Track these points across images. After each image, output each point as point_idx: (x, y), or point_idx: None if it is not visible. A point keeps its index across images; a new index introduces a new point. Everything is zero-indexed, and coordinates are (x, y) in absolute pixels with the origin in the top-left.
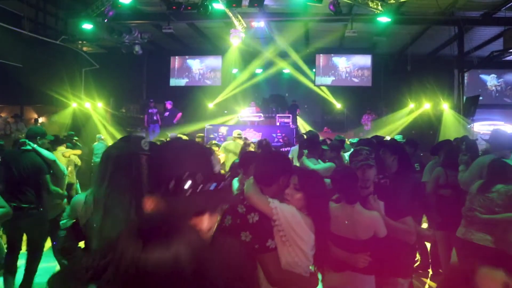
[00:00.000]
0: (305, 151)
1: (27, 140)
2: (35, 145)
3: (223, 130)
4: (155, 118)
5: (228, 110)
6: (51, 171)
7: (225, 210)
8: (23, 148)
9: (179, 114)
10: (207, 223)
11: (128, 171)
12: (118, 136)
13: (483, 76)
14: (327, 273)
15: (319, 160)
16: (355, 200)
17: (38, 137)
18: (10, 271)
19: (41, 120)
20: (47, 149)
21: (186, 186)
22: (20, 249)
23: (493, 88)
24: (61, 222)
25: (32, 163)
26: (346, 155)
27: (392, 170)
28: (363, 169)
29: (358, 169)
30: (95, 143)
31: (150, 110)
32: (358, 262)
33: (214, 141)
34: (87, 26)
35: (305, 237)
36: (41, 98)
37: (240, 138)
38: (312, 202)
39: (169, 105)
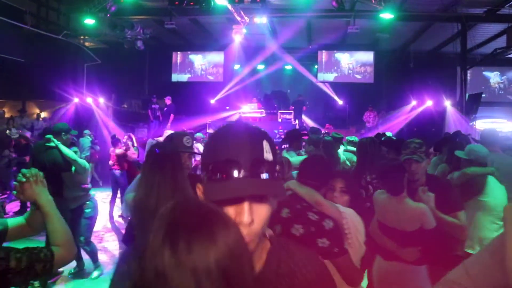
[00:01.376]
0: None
1: (52, 137)
2: (58, 143)
3: None
4: (157, 114)
5: (230, 106)
6: (73, 168)
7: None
8: (47, 144)
9: (172, 116)
10: (247, 214)
11: (166, 168)
12: (119, 131)
13: (486, 73)
14: (377, 261)
15: (302, 152)
16: (399, 192)
17: (63, 133)
18: None
19: (43, 115)
20: (72, 143)
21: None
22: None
23: (496, 85)
24: (86, 210)
25: (53, 160)
26: (341, 153)
27: None
28: (409, 162)
29: (405, 162)
30: (81, 138)
31: (153, 106)
32: (408, 256)
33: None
34: (89, 21)
35: (363, 237)
36: (43, 93)
37: None
38: (354, 203)
39: (168, 100)
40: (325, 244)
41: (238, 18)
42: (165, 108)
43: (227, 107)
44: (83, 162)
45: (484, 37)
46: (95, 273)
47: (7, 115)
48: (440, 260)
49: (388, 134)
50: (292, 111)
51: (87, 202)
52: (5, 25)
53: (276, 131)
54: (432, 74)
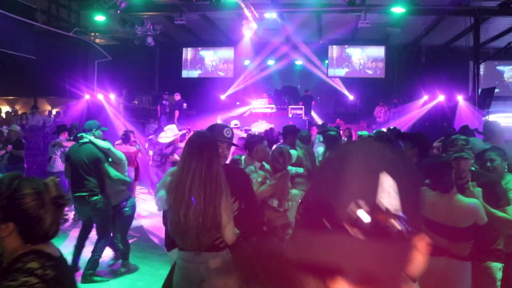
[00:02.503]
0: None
1: (84, 134)
2: (91, 137)
3: (235, 122)
4: (167, 110)
5: (241, 101)
6: (110, 159)
7: None
8: (81, 141)
9: (177, 113)
10: None
11: (204, 156)
12: (130, 128)
13: (500, 68)
14: None
15: (298, 148)
16: (449, 188)
17: (94, 129)
18: (78, 246)
19: (54, 111)
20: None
21: None
22: (91, 231)
23: (510, 80)
24: (125, 209)
25: (89, 154)
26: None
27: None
28: (458, 160)
29: (454, 160)
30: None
31: (163, 102)
32: (460, 251)
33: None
34: (100, 18)
35: None
36: (55, 90)
37: (238, 128)
38: None
39: (177, 96)
40: None
41: (248, 14)
42: (174, 104)
43: (238, 103)
44: (118, 152)
45: (497, 31)
46: (122, 270)
47: (19, 112)
48: (486, 254)
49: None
50: (303, 107)
51: (127, 201)
52: (17, 22)
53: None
54: (444, 69)
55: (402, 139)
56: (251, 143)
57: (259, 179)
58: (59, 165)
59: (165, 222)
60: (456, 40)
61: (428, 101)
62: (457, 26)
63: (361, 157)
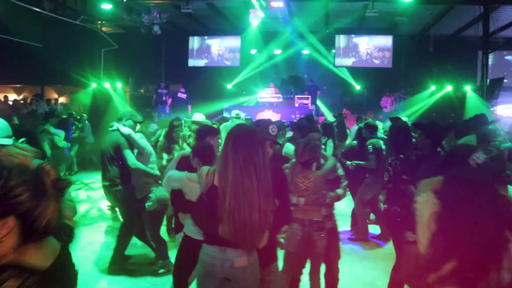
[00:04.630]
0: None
1: (114, 123)
2: (118, 125)
3: (236, 111)
4: (164, 98)
5: (247, 91)
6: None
7: None
8: (109, 129)
9: (169, 100)
10: None
11: (257, 155)
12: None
13: (509, 58)
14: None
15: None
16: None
17: (125, 118)
18: (141, 238)
19: (61, 100)
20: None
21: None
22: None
23: None
24: (147, 204)
25: (112, 140)
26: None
27: (424, 152)
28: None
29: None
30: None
31: (159, 90)
32: None
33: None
34: (106, 6)
35: None
36: (61, 78)
37: (238, 118)
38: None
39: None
40: None
41: (255, 2)
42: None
43: (244, 92)
44: (141, 140)
45: (507, 20)
46: (161, 270)
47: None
48: None
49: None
50: (309, 96)
51: (150, 195)
52: (24, 10)
53: (293, 116)
54: (452, 59)
55: (415, 128)
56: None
57: None
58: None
59: (176, 204)
60: (465, 29)
61: (435, 92)
62: (466, 15)
63: None
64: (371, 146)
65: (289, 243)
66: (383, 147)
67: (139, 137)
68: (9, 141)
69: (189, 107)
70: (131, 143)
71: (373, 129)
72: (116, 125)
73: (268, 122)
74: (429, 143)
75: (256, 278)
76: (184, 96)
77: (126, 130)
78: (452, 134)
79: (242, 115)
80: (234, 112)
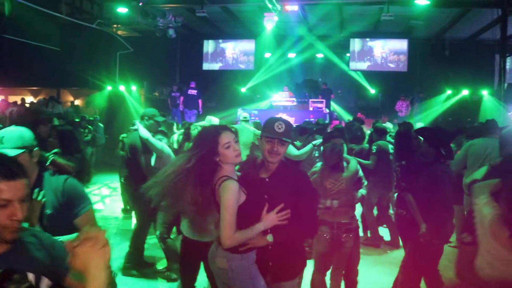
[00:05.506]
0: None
1: (136, 121)
2: (139, 125)
3: (244, 114)
4: (177, 102)
5: (261, 94)
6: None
7: None
8: (131, 128)
9: (181, 98)
10: None
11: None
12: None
13: None
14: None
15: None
16: None
17: (146, 118)
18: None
19: (77, 102)
20: (163, 132)
21: None
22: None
23: None
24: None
25: (131, 141)
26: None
27: (427, 159)
28: None
29: None
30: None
31: (173, 94)
32: None
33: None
34: (122, 9)
35: None
36: (77, 81)
37: (246, 121)
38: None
39: (192, 84)
40: None
41: (270, 6)
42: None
43: (258, 95)
44: (158, 144)
45: None
46: (173, 276)
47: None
48: None
49: (419, 124)
50: (324, 100)
51: None
52: (42, 14)
53: (307, 120)
54: (469, 63)
55: (419, 135)
56: None
57: None
58: None
59: None
60: (482, 33)
61: (451, 96)
62: (484, 18)
63: None
64: (375, 147)
65: (318, 245)
66: (391, 151)
67: (157, 141)
68: (16, 152)
69: (200, 101)
70: (148, 147)
71: (381, 132)
72: (137, 124)
73: (274, 119)
74: (432, 151)
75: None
76: (194, 92)
77: (145, 133)
78: (462, 136)
79: (255, 119)
80: (242, 115)
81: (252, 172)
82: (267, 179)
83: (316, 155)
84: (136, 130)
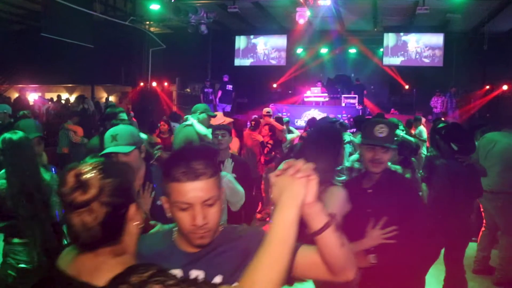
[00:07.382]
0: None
1: (189, 116)
2: (193, 121)
3: (267, 109)
4: (210, 98)
5: (293, 90)
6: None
7: None
8: (185, 123)
9: (219, 92)
10: None
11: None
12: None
13: None
14: None
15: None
16: None
17: (198, 112)
18: None
19: (110, 99)
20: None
21: None
22: None
23: None
24: None
25: (185, 137)
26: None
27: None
28: None
29: None
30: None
31: (206, 90)
32: None
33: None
34: (155, 6)
35: None
36: (111, 78)
37: (269, 116)
38: None
39: (225, 78)
40: None
41: (302, 0)
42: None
43: (290, 91)
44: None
45: None
46: None
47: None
48: None
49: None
50: (356, 96)
51: None
52: (77, 12)
53: (339, 116)
54: (509, 56)
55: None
56: None
57: None
58: (62, 148)
59: None
60: None
61: (490, 91)
62: None
63: None
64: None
65: None
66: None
67: (206, 132)
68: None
69: (233, 94)
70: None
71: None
72: (191, 119)
73: (374, 121)
74: (447, 149)
75: None
76: (230, 87)
77: (201, 129)
78: (478, 131)
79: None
80: (265, 110)
81: (352, 182)
82: (369, 190)
83: None
84: (190, 125)
